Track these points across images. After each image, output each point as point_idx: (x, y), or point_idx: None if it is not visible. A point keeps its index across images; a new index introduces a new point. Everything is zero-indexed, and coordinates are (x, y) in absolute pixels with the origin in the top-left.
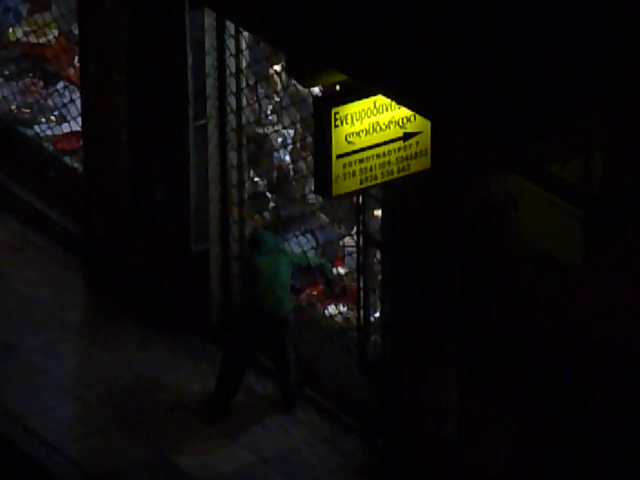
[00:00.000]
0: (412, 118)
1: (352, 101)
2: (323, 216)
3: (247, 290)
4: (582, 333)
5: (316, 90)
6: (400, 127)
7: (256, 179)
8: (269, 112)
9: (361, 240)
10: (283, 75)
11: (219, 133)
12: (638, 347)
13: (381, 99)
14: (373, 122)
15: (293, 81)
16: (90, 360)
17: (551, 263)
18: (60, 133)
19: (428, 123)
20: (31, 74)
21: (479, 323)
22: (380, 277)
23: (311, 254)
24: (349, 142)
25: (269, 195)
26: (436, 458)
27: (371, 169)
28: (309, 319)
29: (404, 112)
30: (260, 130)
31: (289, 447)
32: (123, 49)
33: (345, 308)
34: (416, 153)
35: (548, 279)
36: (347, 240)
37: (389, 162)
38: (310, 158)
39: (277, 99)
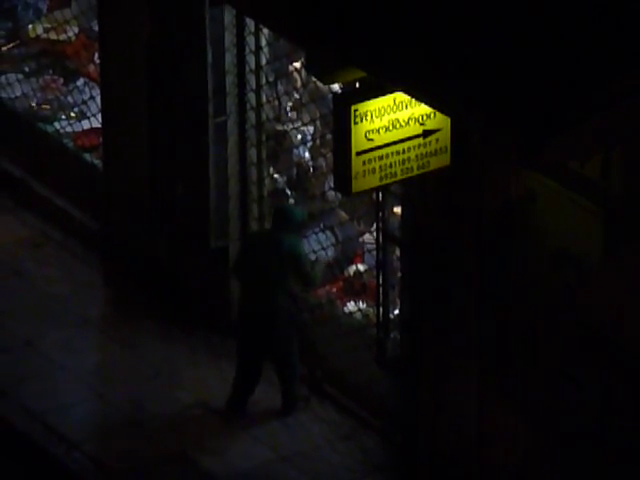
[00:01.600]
0: (432, 115)
1: (372, 98)
2: (342, 213)
3: (242, 275)
4: (601, 329)
5: (336, 87)
6: (420, 124)
7: (276, 176)
8: (289, 109)
9: (380, 237)
10: (303, 72)
11: (239, 130)
12: None
13: (401, 96)
14: (393, 119)
15: (313, 78)
16: (109, 356)
17: (570, 260)
18: (80, 130)
19: (448, 120)
20: (51, 71)
21: (498, 320)
22: (399, 274)
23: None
24: (369, 139)
25: (289, 192)
26: (455, 455)
27: (391, 166)
28: (328, 316)
29: (424, 109)
30: (280, 127)
31: (308, 444)
32: (143, 46)
33: (364, 305)
34: (436, 150)
35: (567, 276)
36: (366, 237)
37: (409, 159)
38: (330, 155)
39: (297, 96)
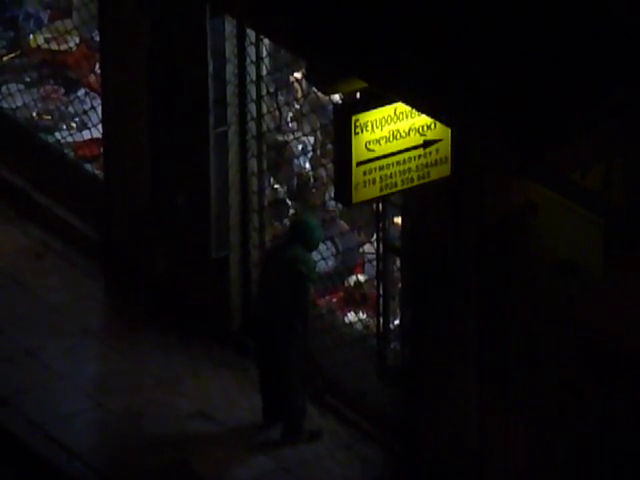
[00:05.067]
0: (432, 125)
1: (372, 108)
2: (343, 223)
3: (259, 288)
4: (601, 339)
5: (336, 97)
6: (420, 134)
7: (276, 186)
8: (289, 119)
9: (381, 247)
10: (303, 82)
11: (239, 140)
12: None
13: (401, 106)
14: (393, 129)
15: (313, 88)
16: (110, 366)
17: (571, 270)
18: (81, 140)
19: (448, 131)
20: (52, 81)
21: (498, 330)
22: (400, 284)
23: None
24: (369, 149)
25: (289, 202)
26: (456, 466)
27: (391, 176)
28: (329, 326)
29: (424, 119)
30: (280, 137)
31: (309, 454)
32: (144, 56)
33: (365, 315)
34: (436, 160)
35: (568, 287)
36: (367, 247)
37: (409, 169)
38: (330, 165)
39: (297, 106)
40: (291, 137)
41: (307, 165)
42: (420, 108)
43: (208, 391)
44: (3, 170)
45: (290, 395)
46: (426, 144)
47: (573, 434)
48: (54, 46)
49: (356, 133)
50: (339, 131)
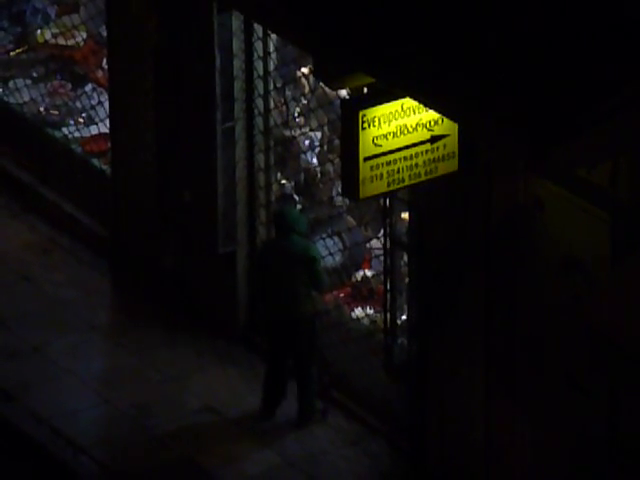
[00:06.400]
0: (440, 121)
1: (379, 104)
2: (350, 218)
3: (262, 283)
4: (609, 336)
5: (343, 92)
6: (427, 130)
7: (283, 181)
8: (296, 114)
9: (388, 243)
10: (310, 77)
11: (246, 135)
12: None
13: (408, 102)
14: (400, 125)
15: (320, 83)
16: (117, 362)
17: (578, 267)
18: (88, 135)
19: (455, 126)
20: (59, 76)
21: (505, 326)
22: (407, 280)
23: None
24: (376, 145)
25: (296, 197)
26: (463, 461)
27: (398, 172)
28: (336, 321)
29: (432, 115)
30: (287, 132)
31: (315, 449)
32: (151, 51)
33: (372, 311)
34: (443, 156)
35: (574, 282)
36: (374, 243)
37: (416, 165)
38: (337, 160)
39: (304, 101)
40: (298, 132)
41: (314, 160)
42: (427, 104)
43: (214, 386)
44: (10, 165)
45: (310, 393)
46: (433, 139)
47: (579, 432)
48: (61, 41)
49: (363, 128)
50: (346, 126)
